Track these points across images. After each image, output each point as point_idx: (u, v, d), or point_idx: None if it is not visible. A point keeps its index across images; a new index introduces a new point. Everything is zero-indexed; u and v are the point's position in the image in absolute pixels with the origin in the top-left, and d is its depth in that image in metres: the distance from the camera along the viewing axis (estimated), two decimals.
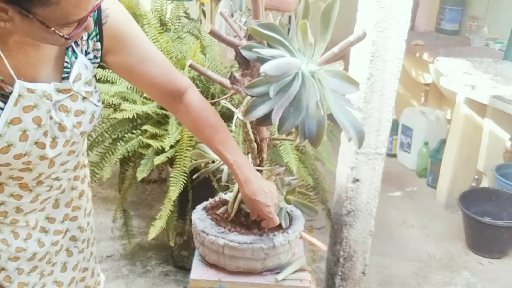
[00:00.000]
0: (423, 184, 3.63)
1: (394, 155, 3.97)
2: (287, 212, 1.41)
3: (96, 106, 1.14)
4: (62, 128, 1.08)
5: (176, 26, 2.87)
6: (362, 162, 2.00)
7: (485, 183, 3.11)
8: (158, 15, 2.85)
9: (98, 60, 1.14)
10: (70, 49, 1.08)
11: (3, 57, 0.98)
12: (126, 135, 2.14)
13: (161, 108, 2.18)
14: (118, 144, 2.10)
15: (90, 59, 1.12)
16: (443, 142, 3.42)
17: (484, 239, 2.77)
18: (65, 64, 1.08)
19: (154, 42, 2.45)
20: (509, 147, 3.07)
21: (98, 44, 1.12)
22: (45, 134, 1.06)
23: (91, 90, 1.13)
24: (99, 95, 1.16)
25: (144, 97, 2.22)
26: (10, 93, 1.00)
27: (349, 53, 1.94)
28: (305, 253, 1.48)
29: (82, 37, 1.10)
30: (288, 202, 1.41)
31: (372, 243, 2.17)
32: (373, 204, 2.09)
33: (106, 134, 2.22)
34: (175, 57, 2.37)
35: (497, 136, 2.99)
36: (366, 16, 1.84)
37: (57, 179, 1.18)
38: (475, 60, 3.27)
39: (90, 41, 1.11)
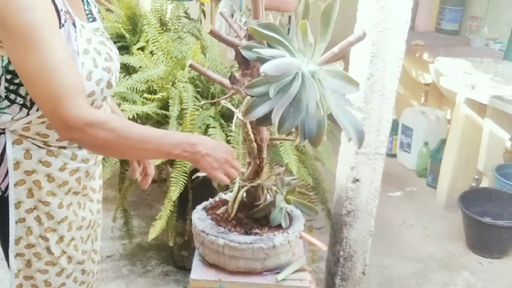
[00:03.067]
0: (423, 184, 3.63)
1: (394, 155, 3.97)
2: (287, 212, 1.41)
3: (114, 47, 1.29)
4: (110, 58, 1.22)
5: (176, 26, 2.87)
6: (362, 162, 2.00)
7: (485, 183, 3.11)
8: (158, 15, 2.85)
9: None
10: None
11: None
12: None
13: (161, 108, 2.18)
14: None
15: (97, 11, 1.30)
16: (443, 142, 3.42)
17: (484, 239, 2.77)
18: (86, 11, 1.24)
19: (154, 42, 2.46)
20: (509, 147, 3.07)
21: None
22: (106, 60, 1.19)
23: (107, 36, 1.29)
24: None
25: (144, 97, 2.22)
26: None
27: (349, 53, 1.94)
28: (305, 253, 1.48)
29: None
30: (288, 202, 1.41)
31: (372, 243, 2.17)
32: (373, 204, 2.09)
33: None
34: (175, 57, 2.37)
35: (497, 136, 2.99)
36: (366, 16, 1.84)
37: None
38: (475, 60, 3.27)
39: None
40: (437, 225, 3.10)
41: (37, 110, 1.13)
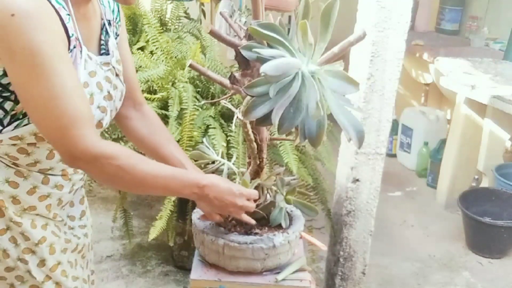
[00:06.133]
0: (423, 184, 3.63)
1: (394, 155, 3.97)
2: (287, 212, 1.41)
3: (123, 85, 1.22)
4: (110, 97, 1.15)
5: (176, 26, 2.87)
6: (362, 162, 2.00)
7: (485, 183, 3.11)
8: (158, 15, 2.85)
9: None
10: (104, 28, 1.16)
11: (75, 22, 1.04)
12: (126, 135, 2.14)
13: (161, 108, 2.18)
14: (118, 144, 2.10)
15: (116, 43, 1.21)
16: (443, 142, 3.42)
17: (484, 239, 2.77)
18: (101, 42, 1.16)
19: (154, 42, 2.46)
20: (509, 147, 3.07)
21: (120, 28, 1.24)
22: (104, 98, 1.13)
23: (121, 69, 1.21)
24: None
25: (144, 97, 2.21)
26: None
27: (349, 53, 1.94)
28: (305, 253, 1.48)
29: (117, 20, 1.21)
30: (288, 202, 1.41)
31: (372, 243, 2.17)
32: (373, 204, 2.09)
33: (106, 134, 2.22)
34: (175, 57, 2.37)
35: (497, 136, 2.99)
36: (366, 16, 1.84)
37: None
38: (475, 60, 3.27)
39: (116, 24, 1.21)
40: (437, 225, 3.10)
41: (13, 129, 1.05)
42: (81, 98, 1.01)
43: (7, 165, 1.10)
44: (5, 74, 1.00)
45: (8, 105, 1.04)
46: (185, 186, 1.13)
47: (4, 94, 1.03)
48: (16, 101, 1.03)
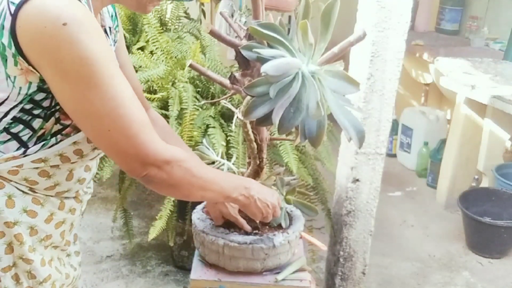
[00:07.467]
0: (423, 184, 3.63)
1: (394, 155, 3.97)
2: (287, 212, 1.41)
3: None
4: None
5: (176, 26, 2.87)
6: (362, 162, 2.00)
7: (485, 183, 3.11)
8: (158, 15, 2.85)
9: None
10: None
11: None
12: None
13: (161, 108, 2.18)
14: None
15: (114, 50, 1.16)
16: (443, 142, 3.42)
17: (484, 239, 2.77)
18: None
19: (154, 42, 2.46)
20: (509, 147, 3.07)
21: (118, 35, 1.19)
22: None
23: None
24: None
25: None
26: None
27: (349, 53, 1.94)
28: (305, 253, 1.48)
29: (115, 26, 1.16)
30: (288, 202, 1.41)
31: (372, 243, 2.17)
32: (373, 204, 2.09)
33: None
34: (175, 57, 2.37)
35: (497, 136, 2.99)
36: (366, 16, 1.84)
37: (89, 187, 1.19)
38: (475, 60, 3.27)
39: (115, 31, 1.17)
40: (437, 225, 3.10)
41: (36, 152, 0.98)
42: (139, 103, 0.97)
43: (24, 192, 1.02)
44: (39, 90, 0.93)
45: (36, 123, 0.97)
46: (236, 188, 1.14)
47: (34, 112, 0.96)
48: (46, 118, 0.97)
